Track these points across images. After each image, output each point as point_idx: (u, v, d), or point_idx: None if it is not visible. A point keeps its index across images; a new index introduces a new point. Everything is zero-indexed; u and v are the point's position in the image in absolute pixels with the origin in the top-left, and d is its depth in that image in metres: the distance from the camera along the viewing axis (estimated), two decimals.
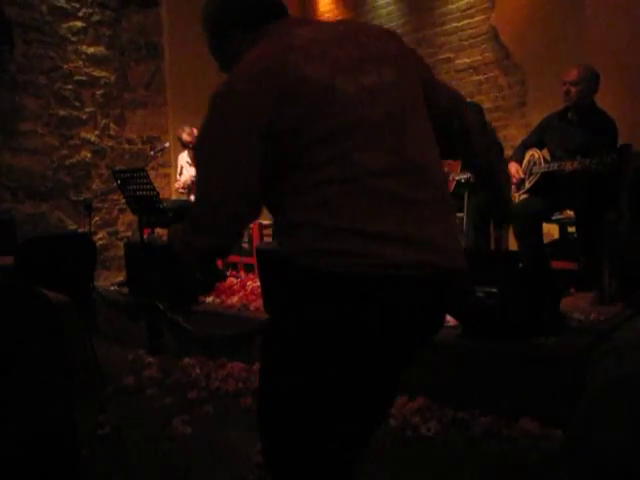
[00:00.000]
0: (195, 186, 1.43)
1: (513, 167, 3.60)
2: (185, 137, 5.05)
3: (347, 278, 1.17)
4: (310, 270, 1.19)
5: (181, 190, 5.13)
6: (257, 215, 1.34)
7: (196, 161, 1.39)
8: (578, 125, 3.42)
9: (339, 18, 6.68)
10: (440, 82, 1.50)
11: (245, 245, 5.04)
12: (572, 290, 3.41)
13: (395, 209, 1.21)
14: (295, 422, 1.29)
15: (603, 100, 3.48)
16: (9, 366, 1.26)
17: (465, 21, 5.46)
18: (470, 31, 5.44)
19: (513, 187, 3.70)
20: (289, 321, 1.27)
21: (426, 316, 1.30)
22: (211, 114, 1.27)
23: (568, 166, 3.22)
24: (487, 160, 1.58)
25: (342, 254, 1.17)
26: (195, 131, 5.04)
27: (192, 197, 5.00)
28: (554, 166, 3.36)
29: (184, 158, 5.22)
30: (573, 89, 3.36)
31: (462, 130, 1.49)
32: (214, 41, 1.46)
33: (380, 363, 1.30)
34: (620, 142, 3.38)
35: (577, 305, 3.11)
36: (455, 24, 5.54)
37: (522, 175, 3.55)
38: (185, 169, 5.20)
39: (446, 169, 4.32)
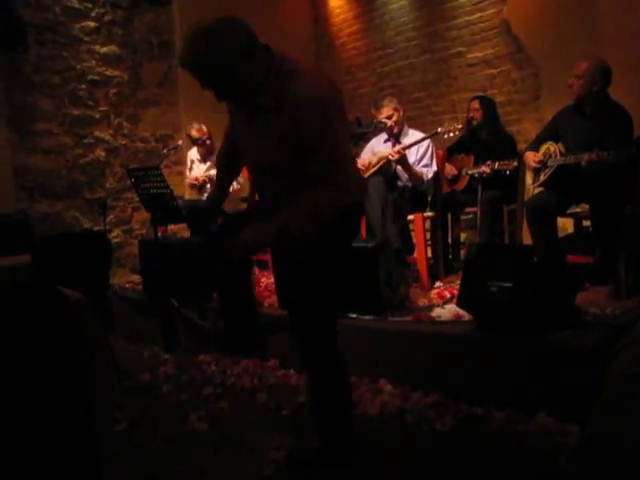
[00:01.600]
0: (328, 157, 1.91)
1: (530, 155, 3.58)
2: (194, 133, 5.03)
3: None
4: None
5: (193, 182, 5.11)
6: None
7: (322, 137, 1.87)
8: (592, 118, 3.39)
9: (350, 14, 6.67)
10: None
11: None
12: (588, 284, 3.38)
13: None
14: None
15: (617, 92, 3.44)
16: (29, 363, 1.28)
17: (477, 14, 5.43)
18: (482, 24, 5.41)
19: (530, 175, 3.66)
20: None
21: None
22: (324, 108, 1.86)
23: (585, 158, 3.19)
24: None
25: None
26: (204, 127, 5.02)
27: (205, 195, 4.99)
28: (570, 158, 3.32)
29: (194, 154, 5.22)
30: (576, 82, 3.34)
31: None
32: (216, 78, 1.87)
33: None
34: (635, 135, 3.35)
35: (593, 299, 3.09)
36: (467, 17, 5.51)
37: (541, 158, 3.50)
38: (195, 165, 5.19)
39: (455, 165, 4.31)
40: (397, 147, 3.80)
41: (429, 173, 3.92)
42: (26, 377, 1.28)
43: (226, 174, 2.41)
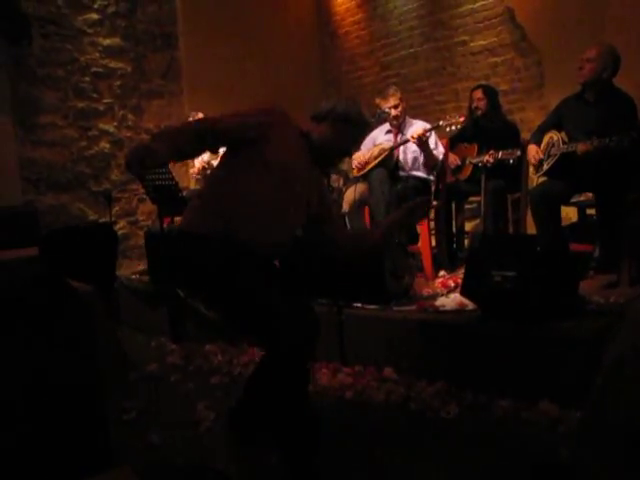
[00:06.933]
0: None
1: (532, 149, 3.57)
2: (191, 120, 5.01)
3: None
4: None
5: (196, 176, 5.15)
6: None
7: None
8: (595, 105, 3.38)
9: (353, 2, 6.65)
10: None
11: None
12: (591, 273, 3.39)
13: None
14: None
15: (625, 81, 3.43)
16: (41, 356, 1.31)
17: (480, 3, 5.41)
18: (485, 13, 5.39)
19: (532, 169, 3.67)
20: None
21: None
22: None
23: (580, 147, 3.19)
24: None
25: None
26: (200, 114, 4.97)
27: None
28: (573, 147, 3.32)
29: None
30: (587, 66, 3.31)
31: None
32: None
33: None
34: None
35: (596, 288, 3.10)
36: (470, 6, 5.49)
37: (541, 156, 3.51)
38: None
39: (459, 155, 4.31)
40: (420, 131, 3.79)
41: (439, 155, 3.97)
42: (39, 366, 1.31)
43: None
